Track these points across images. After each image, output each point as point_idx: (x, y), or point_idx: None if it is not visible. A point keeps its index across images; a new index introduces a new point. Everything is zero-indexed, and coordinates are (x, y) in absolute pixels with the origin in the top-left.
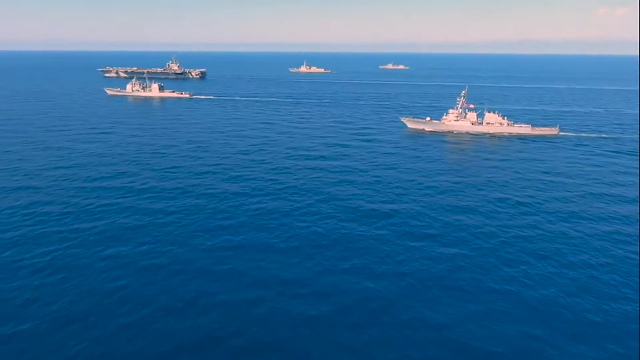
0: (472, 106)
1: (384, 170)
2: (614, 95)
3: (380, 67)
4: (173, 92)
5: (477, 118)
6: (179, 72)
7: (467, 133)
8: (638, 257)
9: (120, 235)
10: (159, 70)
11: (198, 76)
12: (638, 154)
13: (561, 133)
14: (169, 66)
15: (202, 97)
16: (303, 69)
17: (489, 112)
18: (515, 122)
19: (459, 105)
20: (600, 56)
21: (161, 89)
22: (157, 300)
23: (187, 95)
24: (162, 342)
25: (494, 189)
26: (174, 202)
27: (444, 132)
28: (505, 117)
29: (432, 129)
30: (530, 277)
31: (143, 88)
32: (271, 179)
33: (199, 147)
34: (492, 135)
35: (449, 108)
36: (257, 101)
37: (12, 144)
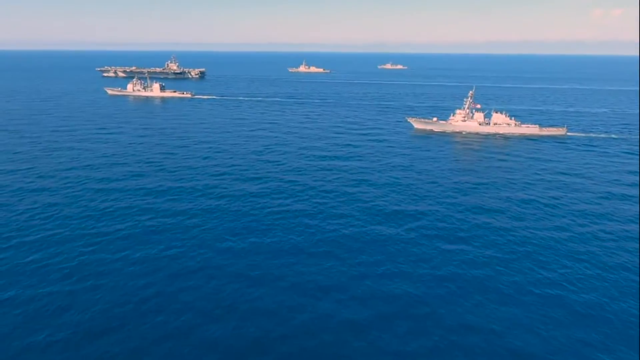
0: (479, 106)
1: (401, 171)
2: (617, 95)
3: (379, 67)
4: (174, 92)
5: (485, 118)
6: (178, 71)
7: (475, 133)
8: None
9: (146, 238)
10: (158, 70)
11: (197, 76)
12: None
13: (569, 133)
14: (167, 66)
15: (205, 97)
16: (302, 68)
17: (496, 112)
18: (522, 123)
19: (466, 106)
20: (598, 56)
21: (162, 88)
22: (194, 306)
23: (189, 95)
24: (205, 351)
25: (516, 190)
26: (194, 204)
27: (451, 132)
28: (513, 118)
29: (439, 130)
30: (569, 281)
31: (144, 88)
32: (290, 180)
33: (211, 147)
34: (502, 136)
35: (455, 108)
36: (260, 101)
37: (21, 145)
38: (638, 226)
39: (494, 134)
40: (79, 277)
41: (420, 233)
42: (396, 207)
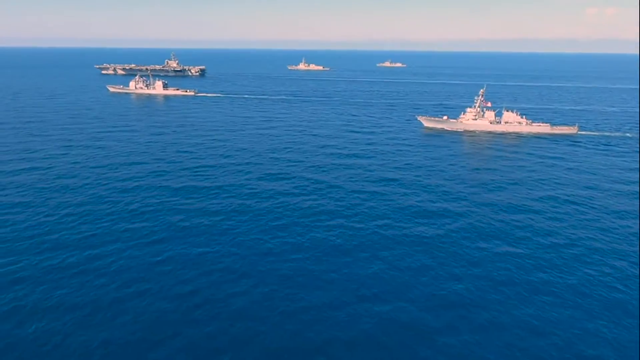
0: (489, 105)
1: (427, 171)
2: (621, 93)
3: (378, 65)
4: (177, 89)
5: (495, 117)
6: (178, 69)
7: (486, 132)
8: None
9: (182, 241)
10: (157, 67)
11: (197, 73)
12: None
13: (580, 132)
14: (167, 63)
15: (210, 95)
16: (301, 66)
17: (507, 111)
18: (533, 121)
19: (477, 104)
20: (595, 54)
21: (165, 86)
22: (246, 314)
23: (192, 93)
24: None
25: (546, 189)
26: (225, 204)
27: (462, 131)
28: (524, 116)
29: (450, 128)
30: (624, 284)
31: (147, 86)
32: (316, 180)
33: (227, 146)
34: (514, 135)
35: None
36: (265, 99)
37: (34, 142)
38: None
39: (506, 133)
40: (121, 283)
41: (461, 235)
42: (431, 208)
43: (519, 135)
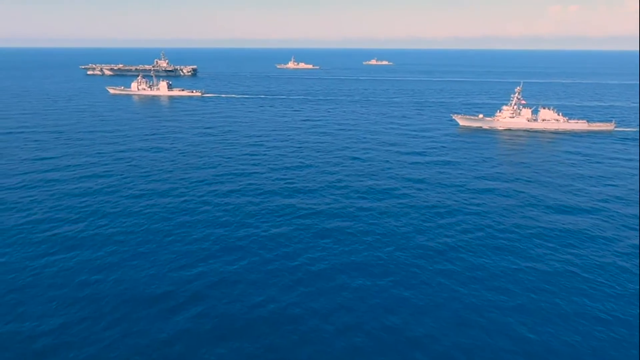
0: (524, 102)
1: (502, 168)
2: (628, 89)
3: (364, 63)
4: (183, 90)
5: (532, 115)
6: (169, 69)
7: (523, 130)
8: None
9: (331, 246)
10: (147, 67)
11: (190, 73)
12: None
13: (616, 128)
14: (157, 63)
15: (223, 95)
16: (291, 65)
17: (543, 108)
18: (569, 118)
19: (513, 102)
20: (563, 51)
21: (170, 87)
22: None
23: (199, 94)
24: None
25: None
26: (337, 204)
27: (499, 129)
28: (560, 113)
29: (486, 127)
30: None
31: (150, 87)
32: (405, 178)
33: (291, 145)
34: (555, 132)
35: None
36: (284, 99)
37: (82, 145)
38: None
39: (543, 130)
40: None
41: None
42: (551, 203)
43: (556, 133)
